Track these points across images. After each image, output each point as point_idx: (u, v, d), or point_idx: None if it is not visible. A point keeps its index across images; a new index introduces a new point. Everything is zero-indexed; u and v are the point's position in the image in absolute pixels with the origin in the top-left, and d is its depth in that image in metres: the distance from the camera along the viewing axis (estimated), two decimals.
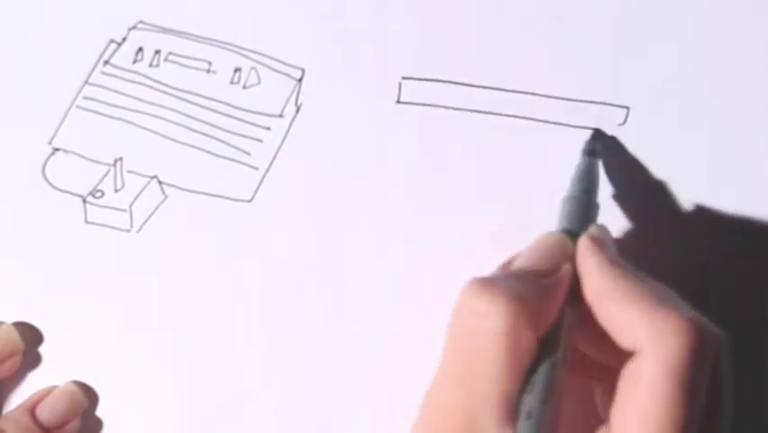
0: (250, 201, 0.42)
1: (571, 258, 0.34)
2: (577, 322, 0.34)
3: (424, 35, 0.42)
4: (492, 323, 0.31)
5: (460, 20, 0.42)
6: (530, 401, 0.31)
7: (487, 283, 0.32)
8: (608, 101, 0.40)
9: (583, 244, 0.34)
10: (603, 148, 0.39)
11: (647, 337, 0.31)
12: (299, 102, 0.42)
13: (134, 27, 0.44)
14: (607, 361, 0.33)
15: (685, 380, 0.30)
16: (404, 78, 0.42)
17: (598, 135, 0.40)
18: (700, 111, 0.40)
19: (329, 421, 0.40)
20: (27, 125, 0.43)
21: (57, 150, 0.43)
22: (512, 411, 0.31)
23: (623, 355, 0.32)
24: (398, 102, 0.42)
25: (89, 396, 0.41)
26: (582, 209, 0.36)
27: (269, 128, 0.42)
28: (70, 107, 0.43)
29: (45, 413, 0.40)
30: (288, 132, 0.42)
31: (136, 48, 0.43)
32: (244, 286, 0.41)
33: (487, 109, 0.41)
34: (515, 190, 0.40)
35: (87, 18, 0.44)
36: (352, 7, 0.42)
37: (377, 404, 0.40)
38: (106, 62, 0.44)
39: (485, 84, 0.41)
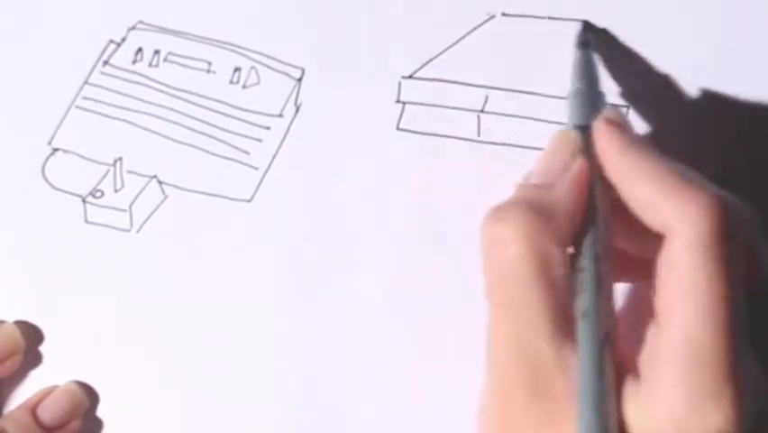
0: (249, 201, 0.42)
1: (586, 150, 0.33)
2: (610, 213, 0.32)
3: (424, 35, 0.42)
4: (514, 247, 0.30)
5: (459, 20, 0.42)
6: (582, 301, 0.30)
7: (497, 211, 0.32)
8: (608, 101, 0.40)
9: (599, 129, 0.33)
10: (596, 41, 0.38)
11: (674, 215, 0.30)
12: (299, 102, 0.42)
13: (134, 27, 0.44)
14: (649, 255, 0.32)
15: (718, 251, 0.29)
16: (403, 77, 0.42)
17: (588, 26, 0.39)
18: (701, 111, 0.39)
19: (330, 422, 0.40)
20: (27, 125, 0.43)
21: (56, 150, 0.43)
22: (564, 325, 0.30)
23: (659, 245, 0.31)
24: (398, 102, 0.42)
25: (90, 396, 0.41)
26: (589, 101, 0.35)
27: (268, 128, 0.42)
28: (70, 107, 0.43)
29: (46, 413, 0.40)
30: (287, 131, 0.42)
31: (135, 48, 0.43)
32: (244, 286, 0.41)
33: (486, 109, 0.41)
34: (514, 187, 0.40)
35: (87, 18, 0.44)
36: (352, 7, 0.42)
37: (378, 405, 0.40)
38: (106, 62, 0.44)
39: (485, 84, 0.41)
